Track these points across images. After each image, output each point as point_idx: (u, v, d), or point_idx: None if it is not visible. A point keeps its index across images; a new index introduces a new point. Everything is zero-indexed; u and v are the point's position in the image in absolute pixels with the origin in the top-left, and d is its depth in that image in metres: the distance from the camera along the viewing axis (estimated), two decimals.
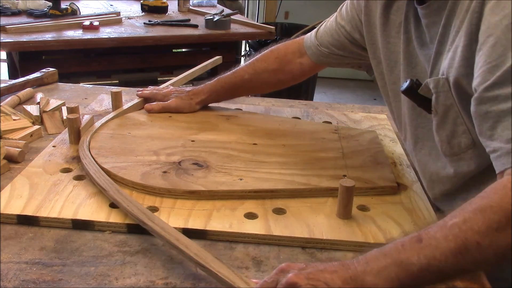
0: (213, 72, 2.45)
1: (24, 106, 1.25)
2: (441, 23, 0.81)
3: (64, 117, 1.20)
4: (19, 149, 1.01)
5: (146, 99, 1.29)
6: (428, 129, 0.91)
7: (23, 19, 2.41)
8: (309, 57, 1.19)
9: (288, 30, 3.87)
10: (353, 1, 1.09)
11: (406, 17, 0.93)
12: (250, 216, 0.85)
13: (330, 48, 1.14)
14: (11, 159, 1.00)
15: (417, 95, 0.85)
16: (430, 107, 0.84)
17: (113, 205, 0.86)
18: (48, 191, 0.89)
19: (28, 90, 1.37)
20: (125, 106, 1.25)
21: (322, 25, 1.18)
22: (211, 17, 2.52)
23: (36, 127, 1.15)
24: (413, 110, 0.93)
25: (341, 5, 1.14)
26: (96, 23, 2.35)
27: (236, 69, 1.27)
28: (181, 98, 1.26)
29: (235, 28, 2.57)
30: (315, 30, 1.20)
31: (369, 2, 1.02)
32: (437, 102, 0.81)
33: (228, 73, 1.27)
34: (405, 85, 0.86)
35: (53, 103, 1.30)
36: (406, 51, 0.93)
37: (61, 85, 1.52)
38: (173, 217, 0.83)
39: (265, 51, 1.26)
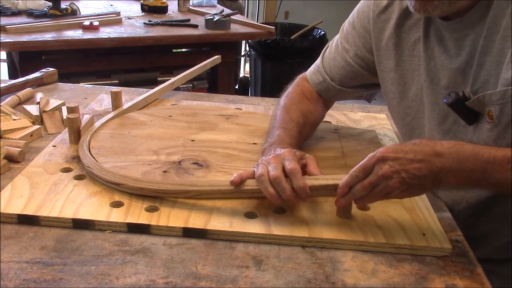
0: (212, 71, 2.48)
1: (24, 106, 1.25)
2: (483, 34, 0.83)
3: (64, 117, 1.20)
4: (19, 149, 1.01)
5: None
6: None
7: (23, 19, 2.41)
8: (320, 94, 1.14)
9: (288, 30, 3.88)
10: (355, 30, 1.08)
11: (425, 34, 0.94)
12: (250, 215, 0.85)
13: (343, 81, 1.10)
14: (11, 159, 1.00)
15: (463, 107, 0.87)
16: (474, 119, 0.87)
17: (113, 205, 0.86)
18: (48, 190, 0.89)
19: (28, 90, 1.37)
20: (125, 106, 1.25)
21: (322, 61, 1.14)
22: (211, 17, 2.52)
23: (36, 127, 1.15)
24: (443, 125, 0.94)
25: (339, 38, 1.12)
26: (96, 23, 2.35)
27: (282, 115, 1.05)
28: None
29: (235, 28, 2.57)
30: (316, 66, 1.15)
31: (378, 25, 1.02)
32: (502, 113, 0.82)
33: (283, 121, 1.04)
34: (450, 98, 0.87)
35: (53, 103, 1.30)
36: (428, 68, 0.94)
37: (61, 85, 1.52)
38: (174, 217, 0.83)
39: (289, 93, 1.13)
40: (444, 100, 0.88)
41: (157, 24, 2.53)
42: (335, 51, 1.12)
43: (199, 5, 3.09)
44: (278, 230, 0.81)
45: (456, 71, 0.89)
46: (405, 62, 0.99)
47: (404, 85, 1.01)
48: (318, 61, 1.16)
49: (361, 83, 1.12)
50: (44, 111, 1.25)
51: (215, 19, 2.49)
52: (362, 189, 0.78)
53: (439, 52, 0.92)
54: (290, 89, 1.15)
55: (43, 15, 2.44)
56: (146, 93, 1.36)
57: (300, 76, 1.19)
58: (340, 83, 1.11)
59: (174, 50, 2.63)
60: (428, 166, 0.74)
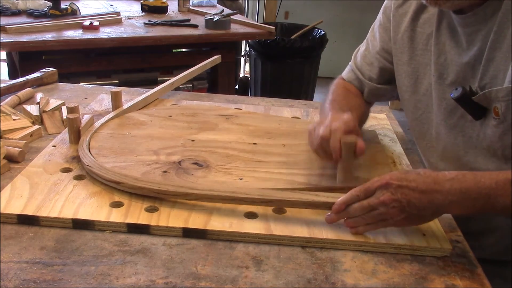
0: (212, 71, 2.48)
1: (24, 106, 1.25)
2: (493, 29, 0.83)
3: (64, 117, 1.20)
4: (19, 149, 1.01)
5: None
6: (469, 137, 0.92)
7: (23, 19, 2.41)
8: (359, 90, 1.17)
9: (288, 30, 3.88)
10: (381, 25, 1.10)
11: (437, 28, 0.94)
12: (250, 215, 0.85)
13: (372, 78, 1.14)
14: (11, 159, 1.00)
15: (469, 102, 0.86)
16: (481, 114, 0.87)
17: (113, 205, 0.86)
18: (48, 190, 0.89)
19: (28, 90, 1.37)
20: (125, 106, 1.25)
21: (354, 61, 1.18)
22: (211, 17, 2.52)
23: (36, 127, 1.15)
24: (450, 120, 0.95)
25: (368, 37, 1.16)
26: (96, 23, 2.35)
27: (333, 106, 1.06)
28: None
29: (235, 28, 2.57)
30: (349, 66, 1.19)
31: (396, 18, 1.04)
32: (508, 109, 0.83)
33: (334, 109, 1.04)
34: (456, 92, 0.87)
35: (53, 103, 1.30)
36: (437, 62, 0.95)
37: (61, 85, 1.52)
38: (173, 217, 0.83)
39: (334, 90, 1.15)
40: (451, 95, 0.89)
41: (157, 24, 2.53)
42: (365, 49, 1.16)
43: (199, 5, 3.08)
44: (278, 230, 0.81)
45: (466, 66, 0.89)
46: (418, 56, 1.00)
47: (416, 79, 1.02)
48: (351, 61, 1.20)
49: (389, 78, 1.13)
50: (44, 111, 1.25)
51: (215, 19, 2.48)
52: (360, 208, 0.78)
53: (449, 47, 0.92)
54: (332, 88, 1.17)
55: (43, 15, 2.44)
56: (146, 93, 1.36)
57: (337, 77, 1.22)
58: (370, 79, 1.14)
59: (174, 50, 2.63)
60: (429, 198, 0.73)
